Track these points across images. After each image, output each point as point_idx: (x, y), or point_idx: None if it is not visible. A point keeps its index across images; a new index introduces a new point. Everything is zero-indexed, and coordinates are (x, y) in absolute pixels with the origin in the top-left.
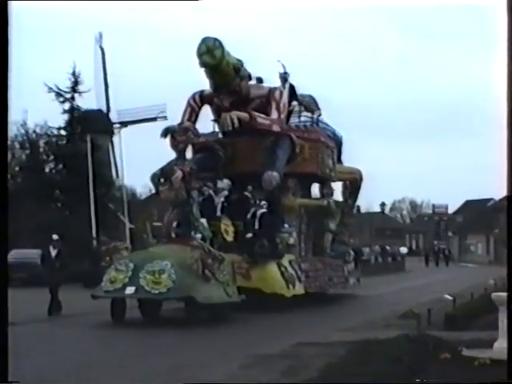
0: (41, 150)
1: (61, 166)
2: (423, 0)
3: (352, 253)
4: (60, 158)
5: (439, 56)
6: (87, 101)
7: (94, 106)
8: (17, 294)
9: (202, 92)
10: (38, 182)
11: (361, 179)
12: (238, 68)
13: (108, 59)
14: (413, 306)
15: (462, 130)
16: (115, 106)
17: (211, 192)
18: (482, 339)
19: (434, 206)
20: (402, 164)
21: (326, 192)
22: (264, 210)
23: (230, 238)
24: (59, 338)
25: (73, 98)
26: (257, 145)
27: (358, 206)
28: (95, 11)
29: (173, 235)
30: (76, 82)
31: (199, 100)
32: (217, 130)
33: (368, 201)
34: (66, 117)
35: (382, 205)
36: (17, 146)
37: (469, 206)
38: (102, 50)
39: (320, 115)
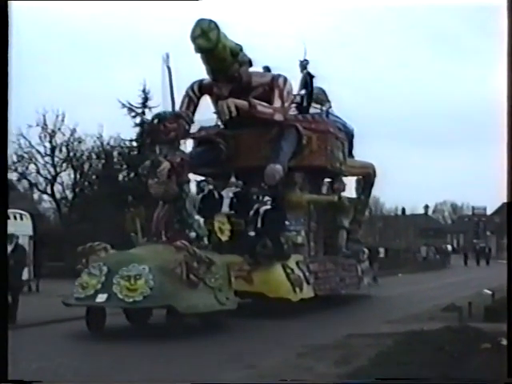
0: (115, 159)
1: (133, 174)
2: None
3: (366, 251)
4: (132, 167)
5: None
6: None
7: None
8: None
9: (200, 81)
10: (113, 189)
11: (374, 174)
12: (236, 52)
13: (174, 76)
14: (455, 300)
15: (495, 136)
16: None
17: (211, 187)
18: None
19: (473, 207)
20: (443, 170)
21: (337, 187)
22: (268, 207)
23: (225, 237)
24: None
25: (143, 113)
26: (260, 137)
27: (404, 208)
28: (163, 32)
29: (162, 234)
30: (146, 98)
31: (198, 90)
32: (219, 123)
33: (412, 203)
34: (137, 130)
35: (426, 207)
36: (94, 156)
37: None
38: (168, 69)
39: (330, 107)
